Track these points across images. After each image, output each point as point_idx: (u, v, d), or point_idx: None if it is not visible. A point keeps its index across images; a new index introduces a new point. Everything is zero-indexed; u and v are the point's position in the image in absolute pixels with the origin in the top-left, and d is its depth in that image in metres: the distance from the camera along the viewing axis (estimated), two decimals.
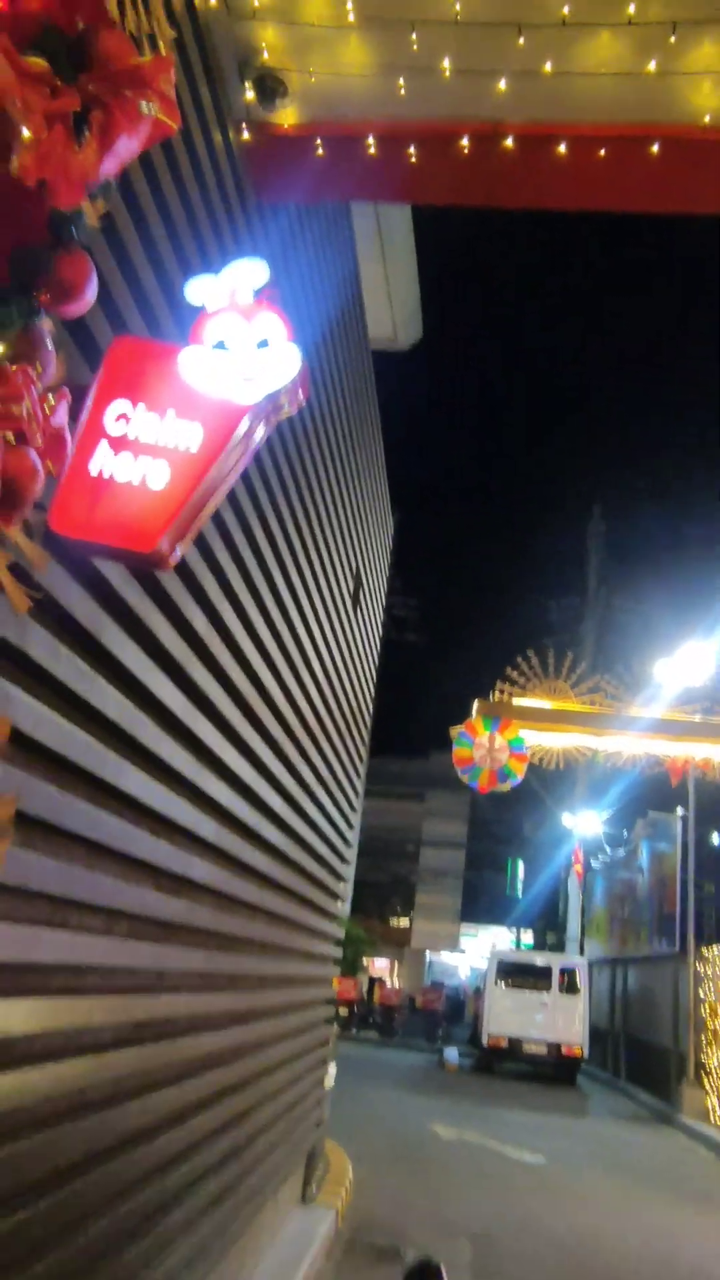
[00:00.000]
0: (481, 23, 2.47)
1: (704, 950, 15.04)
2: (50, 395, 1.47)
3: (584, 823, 24.96)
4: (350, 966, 22.60)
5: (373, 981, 26.42)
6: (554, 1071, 17.99)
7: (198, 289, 1.89)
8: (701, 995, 14.69)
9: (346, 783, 6.76)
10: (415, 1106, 12.78)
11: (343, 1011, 19.47)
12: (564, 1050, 17.67)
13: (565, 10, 2.43)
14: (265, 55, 2.81)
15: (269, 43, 2.77)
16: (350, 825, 7.18)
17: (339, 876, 6.75)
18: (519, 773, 11.48)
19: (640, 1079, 18.20)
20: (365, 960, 28.39)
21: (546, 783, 23.87)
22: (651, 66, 2.53)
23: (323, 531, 5.25)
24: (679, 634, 14.51)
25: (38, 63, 1.31)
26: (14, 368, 1.34)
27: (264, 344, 1.85)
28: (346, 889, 7.26)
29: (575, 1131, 13.03)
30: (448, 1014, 23.67)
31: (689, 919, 15.70)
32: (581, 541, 30.00)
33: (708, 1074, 14.23)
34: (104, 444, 1.78)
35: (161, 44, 2.19)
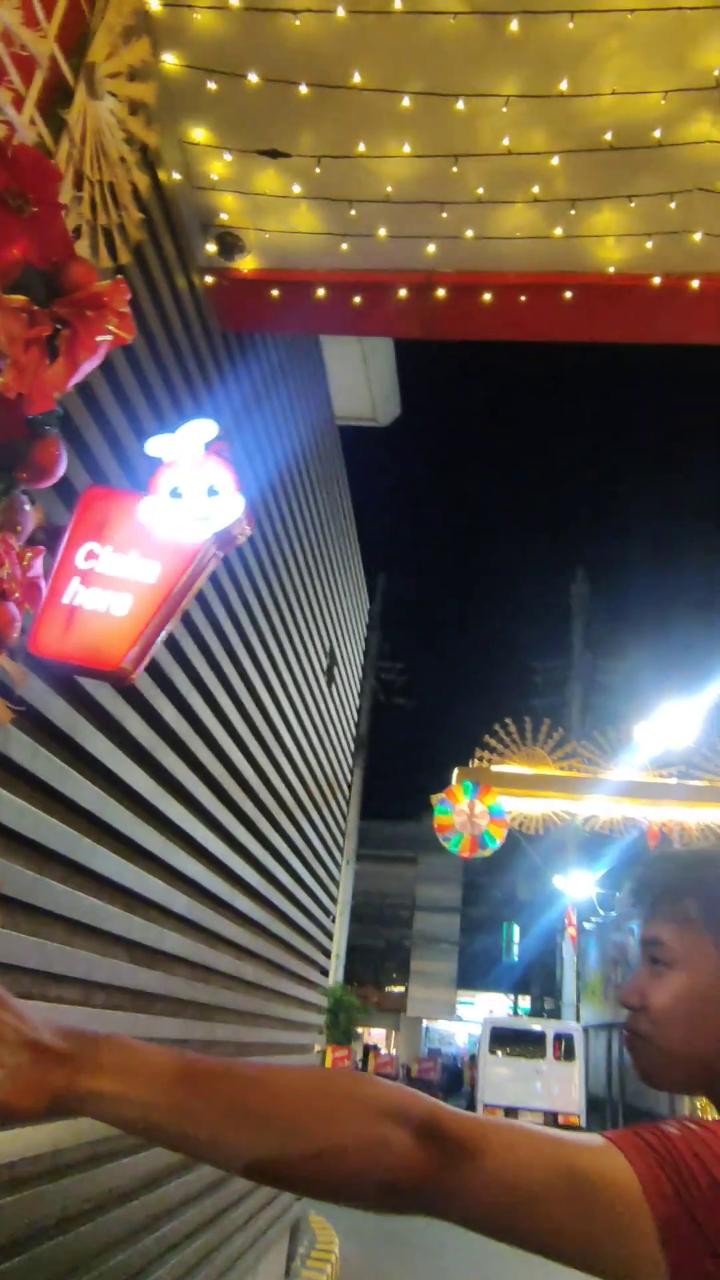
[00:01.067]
0: (409, 200, 2.88)
1: None
2: (28, 552, 1.78)
3: (575, 885, 24.94)
4: (344, 1035, 22.34)
5: (368, 1050, 26.08)
6: None
7: (156, 445, 2.22)
8: None
9: (325, 853, 6.98)
10: None
11: None
12: (560, 1119, 17.51)
13: (480, 191, 2.85)
14: (224, 217, 3.22)
15: (227, 208, 3.17)
16: (331, 895, 7.37)
17: (319, 945, 6.93)
18: (499, 838, 11.68)
19: None
20: (361, 1029, 27.99)
21: (538, 846, 23.91)
22: (558, 231, 2.95)
23: (293, 614, 5.56)
24: (663, 694, 14.76)
25: (18, 299, 1.64)
26: None
27: (213, 491, 2.18)
28: (331, 959, 7.42)
29: None
30: (445, 1084, 23.39)
31: None
32: (566, 603, 30.50)
33: None
34: (75, 579, 2.09)
35: (129, 227, 2.56)
